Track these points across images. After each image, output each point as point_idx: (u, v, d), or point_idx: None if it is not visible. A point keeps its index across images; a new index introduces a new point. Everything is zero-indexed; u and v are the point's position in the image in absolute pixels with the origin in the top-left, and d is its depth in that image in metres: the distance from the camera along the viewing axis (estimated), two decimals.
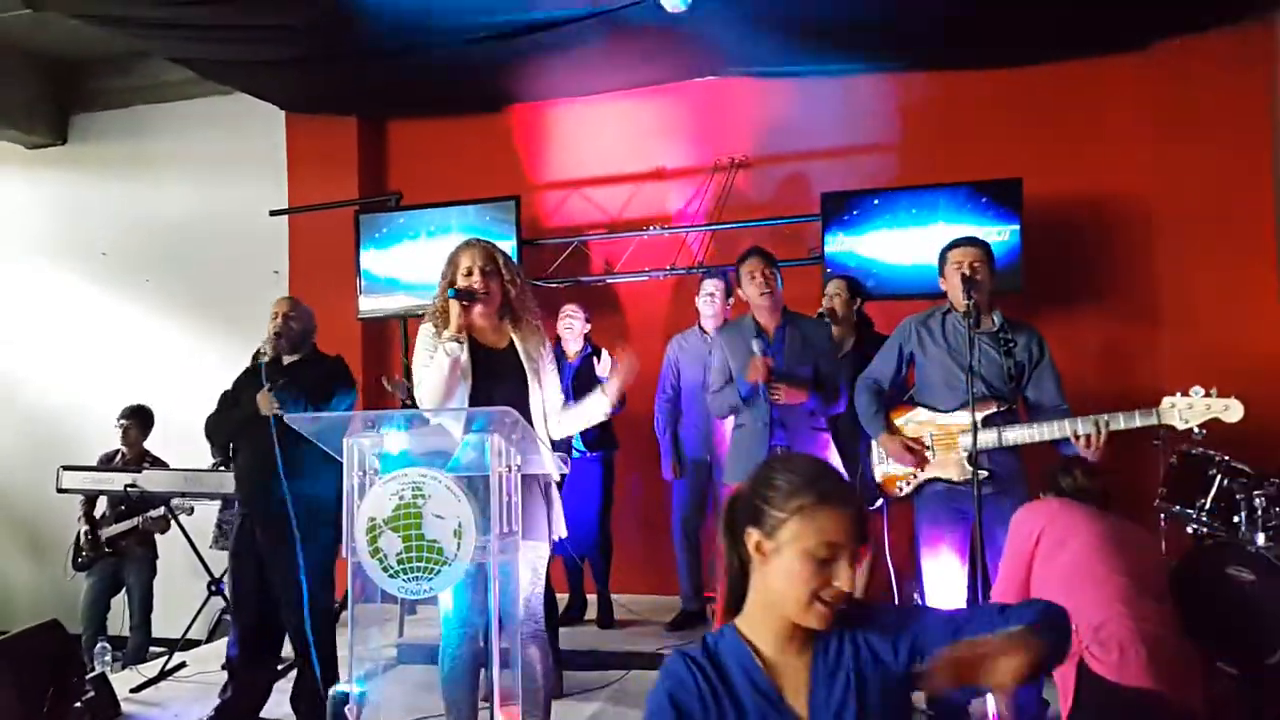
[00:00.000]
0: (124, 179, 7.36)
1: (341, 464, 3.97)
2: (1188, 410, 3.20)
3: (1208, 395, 3.18)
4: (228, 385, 4.14)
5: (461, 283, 3.14)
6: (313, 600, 3.76)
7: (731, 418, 4.09)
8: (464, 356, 3.09)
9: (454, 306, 3.08)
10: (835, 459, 3.99)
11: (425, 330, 3.19)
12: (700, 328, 5.05)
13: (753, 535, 1.54)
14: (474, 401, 3.09)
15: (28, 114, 7.27)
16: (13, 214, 7.63)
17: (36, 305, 7.51)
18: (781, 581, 1.51)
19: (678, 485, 5.17)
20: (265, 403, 3.79)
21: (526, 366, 3.16)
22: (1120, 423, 3.24)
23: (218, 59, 5.82)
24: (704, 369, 4.82)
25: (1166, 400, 3.23)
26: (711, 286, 4.97)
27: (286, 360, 3.99)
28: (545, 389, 3.20)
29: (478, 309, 3.15)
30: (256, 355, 4.45)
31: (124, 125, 7.40)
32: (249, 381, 4.02)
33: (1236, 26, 5.14)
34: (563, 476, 3.30)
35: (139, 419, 5.78)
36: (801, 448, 3.85)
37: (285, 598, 3.82)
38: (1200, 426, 3.22)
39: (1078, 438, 3.25)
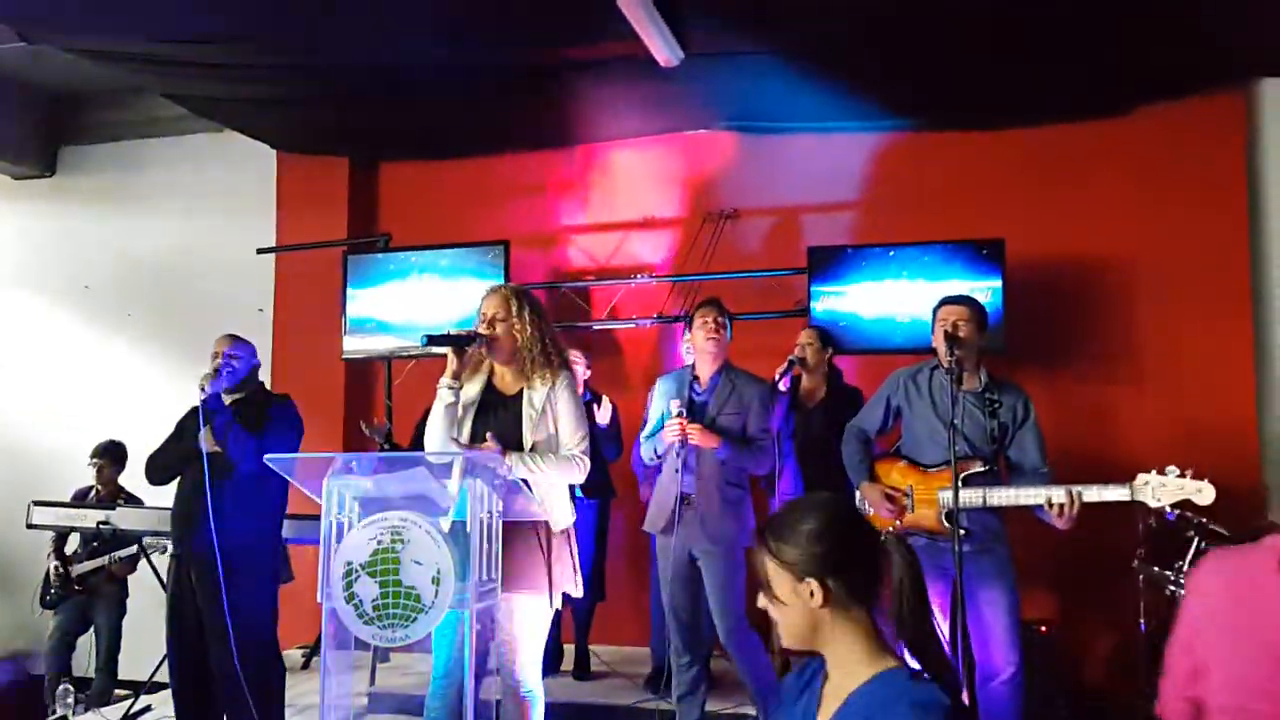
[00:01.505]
0: (111, 213, 7.34)
1: (280, 507, 4.00)
2: (1161, 489, 3.21)
3: (1182, 475, 3.18)
4: None
5: (481, 329, 3.18)
6: (247, 646, 3.68)
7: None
8: (469, 397, 3.17)
9: (449, 353, 3.12)
10: (748, 517, 3.98)
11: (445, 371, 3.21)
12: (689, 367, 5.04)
13: None
14: (470, 443, 3.11)
15: (17, 145, 7.26)
16: None
17: (15, 337, 7.44)
18: None
19: (655, 537, 5.07)
20: (205, 440, 3.75)
21: (525, 413, 3.15)
22: (1094, 495, 3.26)
23: (210, 96, 5.84)
24: None
25: (1141, 477, 3.24)
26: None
27: (230, 399, 3.95)
28: (558, 433, 3.17)
29: (485, 353, 3.20)
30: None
31: (114, 159, 7.40)
32: (193, 419, 3.97)
33: (1212, 94, 5.26)
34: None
35: (111, 456, 5.71)
36: (708, 498, 3.86)
37: (216, 642, 3.74)
38: (1172, 507, 3.23)
39: (1050, 506, 3.26)
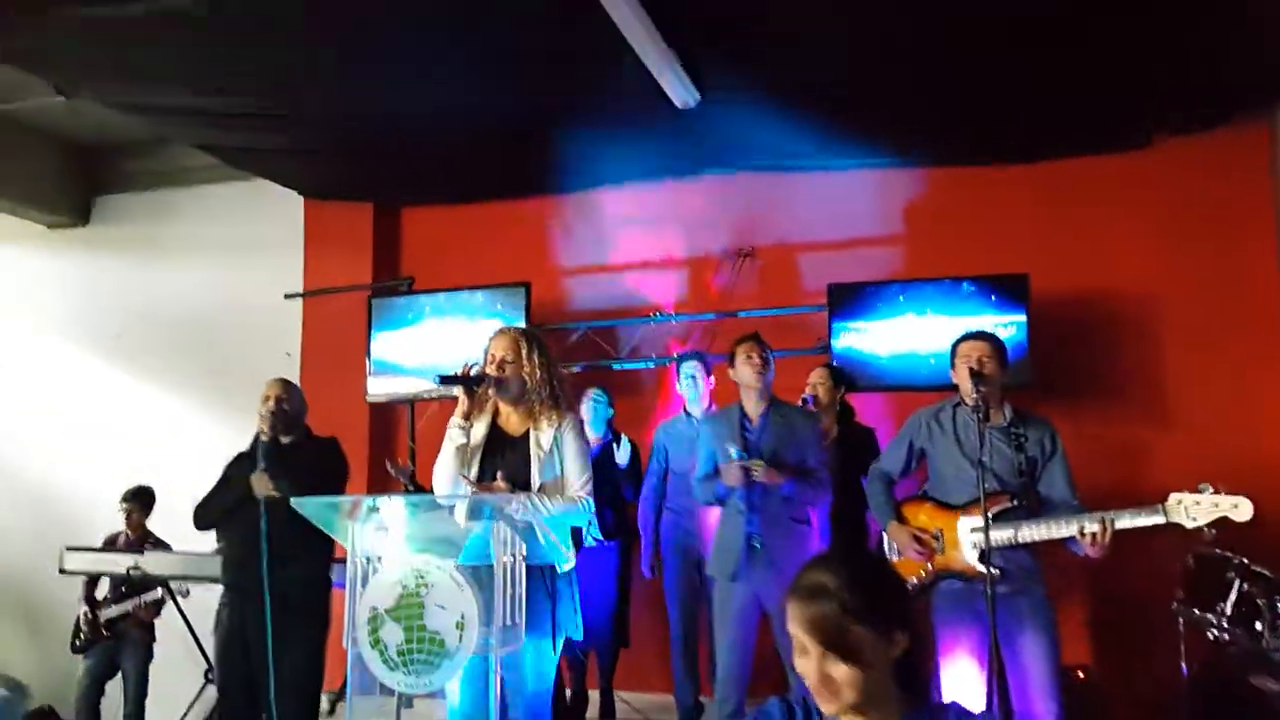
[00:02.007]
0: (142, 260, 7.46)
1: (331, 550, 4.02)
2: (1195, 508, 3.13)
3: (1216, 493, 3.11)
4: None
5: (490, 370, 3.20)
6: (300, 689, 3.69)
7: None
8: (477, 438, 3.18)
9: (460, 394, 3.14)
10: (813, 549, 3.95)
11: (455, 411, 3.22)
12: (686, 412, 5.04)
13: None
14: (479, 481, 3.13)
15: (53, 195, 7.42)
16: (29, 292, 7.71)
17: (47, 383, 7.53)
18: None
19: (668, 579, 5.01)
20: (260, 485, 3.78)
21: (533, 454, 3.16)
22: (1126, 520, 3.18)
23: (239, 146, 5.94)
24: (691, 455, 4.82)
25: (1173, 497, 3.16)
26: (691, 369, 4.96)
27: (282, 442, 3.99)
28: (564, 475, 3.18)
29: (494, 395, 3.22)
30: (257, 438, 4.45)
31: (146, 208, 7.53)
32: (241, 463, 4.01)
33: (1236, 126, 5.22)
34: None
35: (140, 501, 5.74)
36: (776, 537, 3.82)
37: (271, 686, 3.74)
38: (1210, 526, 3.15)
39: (1083, 535, 3.20)
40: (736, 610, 3.88)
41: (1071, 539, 3.24)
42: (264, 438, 3.89)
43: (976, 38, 4.22)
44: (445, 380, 3.18)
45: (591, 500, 3.19)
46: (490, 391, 3.22)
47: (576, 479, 3.18)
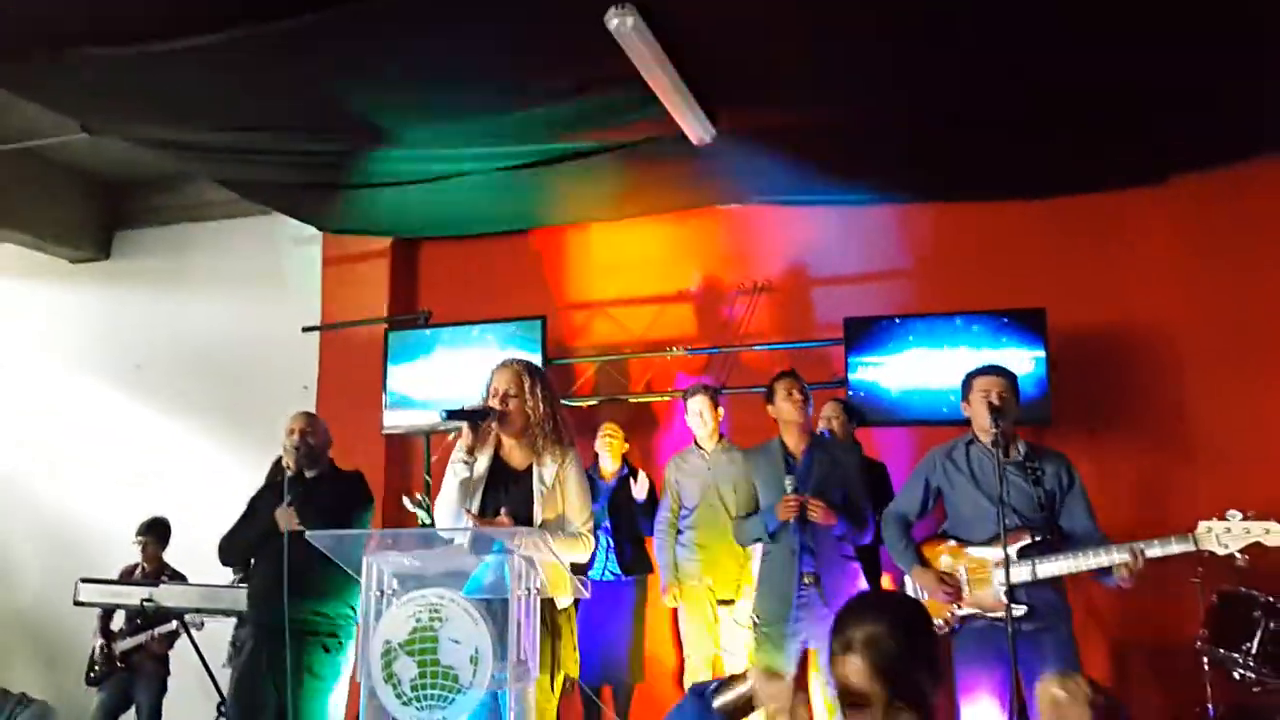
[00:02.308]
0: (162, 294, 7.53)
1: (357, 584, 4.01)
2: (1226, 534, 3.10)
3: (1246, 519, 3.09)
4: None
5: (493, 403, 3.20)
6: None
7: (757, 547, 4.05)
8: (479, 471, 3.19)
9: (464, 427, 3.15)
10: (864, 588, 3.93)
11: (458, 444, 3.22)
12: (697, 444, 5.03)
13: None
14: (480, 514, 3.14)
15: (76, 230, 7.52)
16: (51, 326, 7.79)
17: (67, 415, 7.59)
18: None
19: (681, 611, 4.98)
20: (285, 518, 3.79)
21: (535, 489, 3.17)
22: (1157, 549, 3.15)
23: (259, 180, 6.01)
24: (703, 488, 4.82)
25: (1203, 525, 3.13)
26: (698, 405, 4.95)
27: (307, 475, 4.00)
28: (565, 511, 3.18)
29: (496, 428, 3.22)
30: (273, 470, 4.46)
31: (166, 242, 7.62)
32: (266, 497, 4.02)
33: (1254, 160, 5.20)
34: (575, 602, 3.24)
35: (155, 534, 5.75)
36: (831, 576, 3.79)
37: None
38: (1241, 552, 3.11)
39: (1117, 568, 3.16)
40: (786, 657, 3.82)
41: (1103, 572, 3.21)
42: (289, 471, 3.89)
43: (992, 77, 4.24)
44: (452, 415, 3.19)
45: (592, 538, 3.20)
46: (492, 425, 3.22)
47: (578, 516, 3.20)
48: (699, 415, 4.93)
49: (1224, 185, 5.25)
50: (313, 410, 6.47)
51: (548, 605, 3.03)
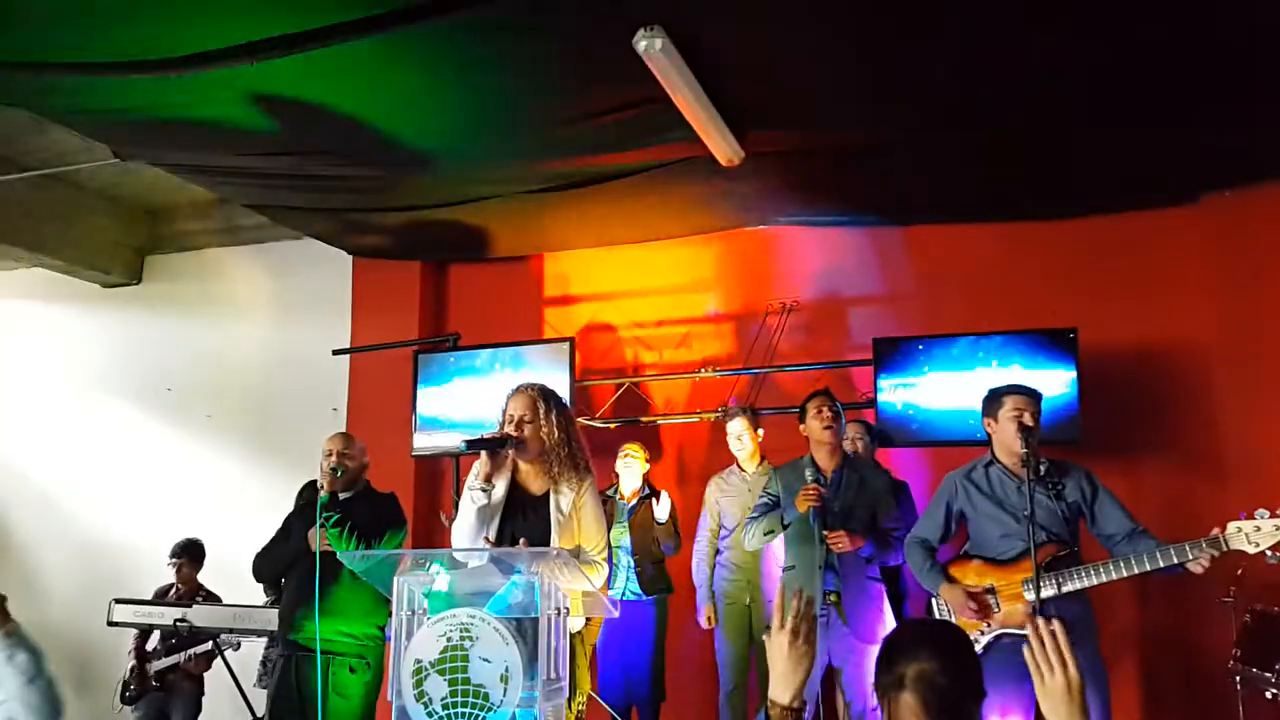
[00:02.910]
0: (194, 318, 7.63)
1: (386, 605, 4.03)
2: (1255, 533, 3.10)
3: (1275, 516, 3.08)
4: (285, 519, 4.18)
5: (509, 429, 3.23)
6: None
7: (779, 560, 4.05)
8: (497, 497, 3.21)
9: (482, 455, 3.17)
10: (888, 611, 3.91)
11: (473, 469, 3.24)
12: (739, 466, 5.04)
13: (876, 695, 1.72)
14: (498, 543, 3.16)
15: (108, 255, 7.63)
16: (84, 350, 7.90)
17: (100, 438, 7.69)
18: None
19: (719, 632, 5.00)
20: (315, 539, 3.82)
21: (553, 517, 3.19)
22: (1187, 554, 3.14)
23: (289, 206, 6.09)
24: (742, 508, 4.83)
25: (1232, 525, 3.13)
26: (738, 429, 4.98)
27: (341, 497, 4.03)
28: (580, 539, 3.20)
29: (511, 454, 3.25)
30: (302, 491, 4.49)
31: (197, 266, 7.72)
32: (300, 517, 4.06)
33: None
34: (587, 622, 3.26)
35: (189, 555, 5.80)
36: (853, 595, 3.79)
37: None
38: (1272, 550, 3.10)
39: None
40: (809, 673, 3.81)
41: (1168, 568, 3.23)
42: (323, 492, 3.93)
43: (1023, 96, 4.24)
44: (471, 445, 3.21)
45: (606, 566, 3.23)
46: (509, 451, 3.24)
47: (593, 543, 3.22)
48: (738, 438, 4.96)
49: (1256, 204, 5.21)
50: (342, 431, 6.59)
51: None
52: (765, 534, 4.05)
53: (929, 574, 3.56)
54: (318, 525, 3.82)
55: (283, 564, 4.06)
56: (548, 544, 3.13)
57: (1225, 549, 3.12)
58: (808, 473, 3.85)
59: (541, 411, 3.25)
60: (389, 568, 2.91)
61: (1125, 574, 3.24)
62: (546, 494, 3.24)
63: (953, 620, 3.50)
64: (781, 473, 4.17)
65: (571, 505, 3.19)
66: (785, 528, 3.95)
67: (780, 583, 4.11)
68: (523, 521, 3.19)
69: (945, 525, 3.61)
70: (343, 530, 3.82)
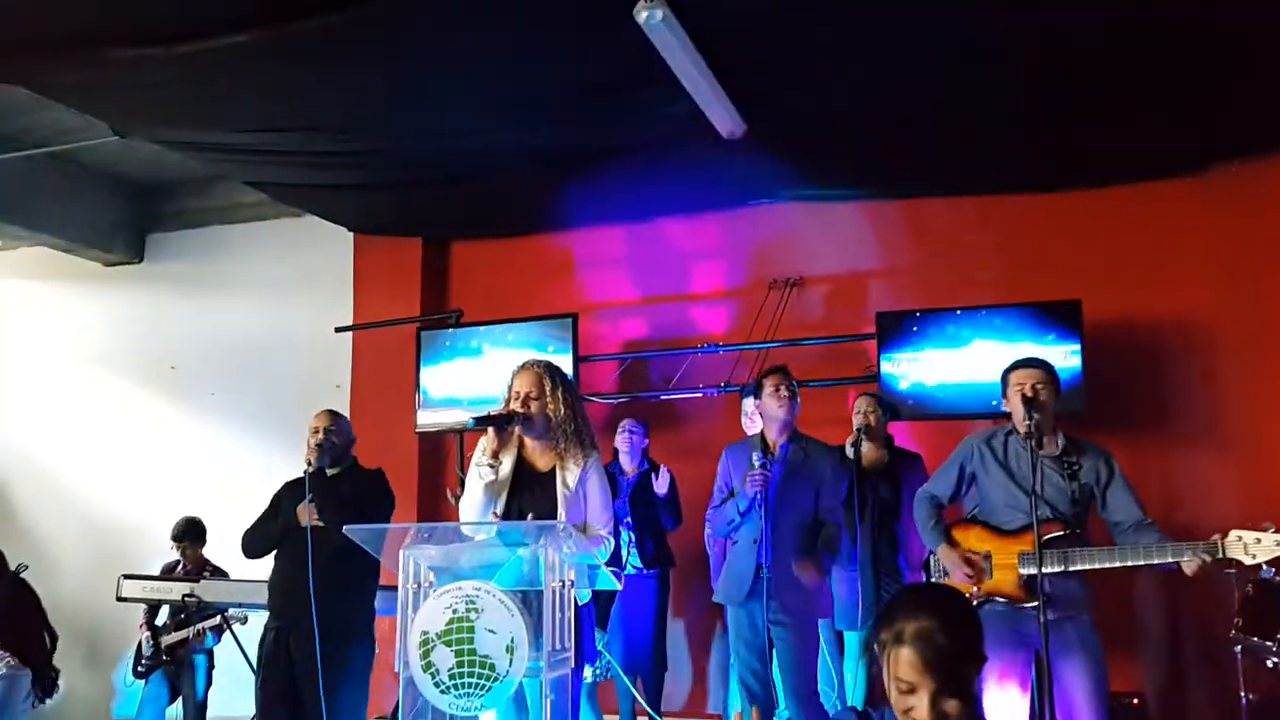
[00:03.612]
0: (196, 296, 7.61)
1: (374, 581, 4.08)
2: (1255, 545, 3.10)
3: (1277, 531, 3.08)
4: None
5: (515, 406, 3.23)
6: (346, 715, 3.73)
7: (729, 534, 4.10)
8: (504, 473, 3.22)
9: (489, 431, 3.18)
10: (824, 594, 3.95)
11: (479, 445, 3.25)
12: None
13: (876, 653, 1.75)
14: (505, 517, 3.18)
15: (109, 233, 7.62)
16: (88, 328, 7.90)
17: (106, 416, 7.70)
18: (889, 699, 1.71)
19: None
20: (305, 515, 3.85)
21: (559, 493, 3.20)
22: (1184, 553, 3.15)
23: (289, 183, 6.07)
24: None
25: (1233, 534, 3.13)
26: (750, 405, 4.97)
27: (328, 473, 4.05)
28: (587, 514, 3.22)
29: (518, 430, 3.25)
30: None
31: (199, 245, 7.69)
32: (289, 493, 4.09)
33: None
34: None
35: (190, 536, 5.80)
36: (783, 571, 3.80)
37: (317, 712, 3.78)
38: (1270, 564, 3.13)
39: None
40: (753, 632, 3.89)
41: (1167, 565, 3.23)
42: (310, 468, 3.95)
43: (1027, 67, 4.21)
44: (479, 421, 3.22)
45: (612, 540, 3.25)
46: (516, 428, 3.25)
47: (598, 518, 3.24)
48: (750, 417, 4.95)
49: (1264, 176, 5.18)
50: (346, 409, 6.60)
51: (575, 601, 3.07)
52: (728, 524, 4.06)
53: (931, 531, 3.59)
54: (306, 501, 3.84)
55: (272, 539, 4.09)
56: (553, 517, 3.14)
57: (1222, 555, 3.13)
58: (755, 456, 3.86)
59: (548, 388, 3.26)
60: (392, 540, 2.93)
61: (1118, 564, 3.25)
62: (553, 470, 3.25)
63: (944, 578, 3.54)
64: (732, 452, 4.17)
65: (578, 480, 3.21)
66: (743, 515, 3.95)
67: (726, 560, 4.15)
68: (530, 497, 3.21)
69: (957, 485, 3.62)
70: (329, 505, 3.84)
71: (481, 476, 3.17)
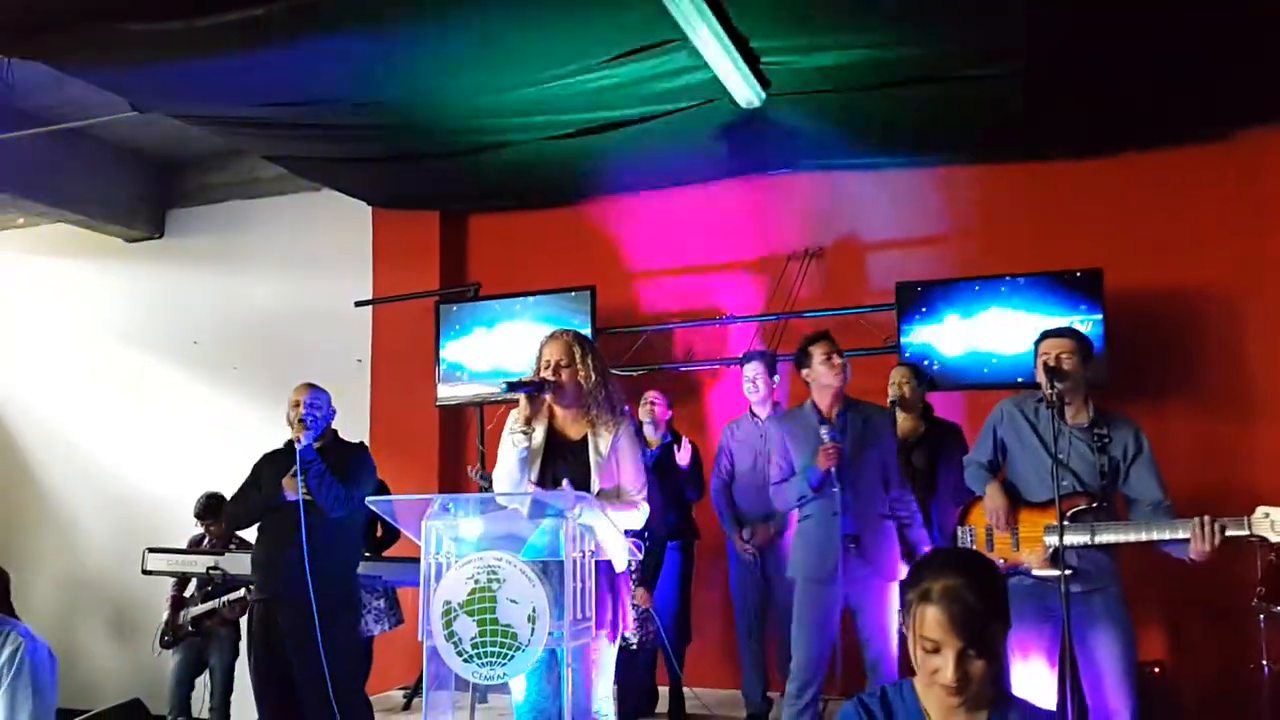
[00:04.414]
0: (217, 271, 7.66)
1: (359, 552, 4.16)
2: None
3: None
4: None
5: (546, 375, 3.23)
6: (338, 684, 3.78)
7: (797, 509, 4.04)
8: (536, 442, 3.22)
9: (521, 399, 3.18)
10: (897, 548, 3.93)
11: (510, 415, 3.27)
12: (751, 413, 5.04)
13: (901, 615, 1.78)
14: (538, 486, 3.18)
15: (129, 209, 7.66)
16: (111, 304, 7.97)
17: (129, 391, 7.77)
18: (913, 662, 1.69)
19: (734, 579, 5.07)
20: (291, 487, 3.90)
21: (592, 459, 3.20)
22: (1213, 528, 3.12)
23: (308, 156, 6.08)
24: (755, 455, 4.85)
25: (1260, 510, 3.09)
26: (752, 371, 4.95)
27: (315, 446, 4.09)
28: (620, 480, 3.22)
29: (549, 399, 3.25)
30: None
31: (219, 220, 7.73)
32: (269, 466, 4.12)
33: None
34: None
35: (213, 511, 5.84)
36: (872, 536, 3.79)
37: (311, 684, 3.83)
38: None
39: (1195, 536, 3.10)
40: (825, 612, 3.82)
41: (1171, 542, 3.17)
42: (299, 444, 3.98)
43: (1048, 24, 4.14)
44: (512, 387, 3.22)
45: (646, 505, 3.25)
46: (547, 396, 3.26)
47: (632, 484, 3.23)
48: (753, 382, 4.94)
49: None
50: (367, 383, 6.65)
51: (606, 566, 3.08)
52: (799, 499, 3.99)
53: (980, 477, 3.54)
54: (298, 474, 3.88)
55: (258, 511, 4.14)
56: (588, 487, 3.15)
57: (1250, 532, 3.09)
58: (823, 431, 3.80)
59: (578, 355, 3.26)
60: (415, 512, 2.95)
61: (1144, 538, 3.20)
62: (585, 438, 3.25)
63: (972, 541, 3.52)
64: (785, 423, 4.11)
65: (610, 447, 3.21)
66: (816, 491, 3.90)
67: (794, 534, 4.11)
68: (563, 465, 3.22)
69: (994, 450, 3.58)
70: (322, 480, 3.89)
71: (514, 444, 3.17)
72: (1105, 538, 3.22)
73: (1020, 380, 4.78)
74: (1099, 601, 3.25)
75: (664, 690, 5.22)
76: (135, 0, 3.89)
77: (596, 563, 3.01)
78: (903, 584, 1.77)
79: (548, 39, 4.22)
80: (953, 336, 5.22)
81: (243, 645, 5.72)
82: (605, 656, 3.09)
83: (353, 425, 4.99)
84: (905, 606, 1.70)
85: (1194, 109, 5.05)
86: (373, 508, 3.08)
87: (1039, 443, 3.42)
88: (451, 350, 6.27)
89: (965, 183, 5.73)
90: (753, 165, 6.01)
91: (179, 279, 7.79)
